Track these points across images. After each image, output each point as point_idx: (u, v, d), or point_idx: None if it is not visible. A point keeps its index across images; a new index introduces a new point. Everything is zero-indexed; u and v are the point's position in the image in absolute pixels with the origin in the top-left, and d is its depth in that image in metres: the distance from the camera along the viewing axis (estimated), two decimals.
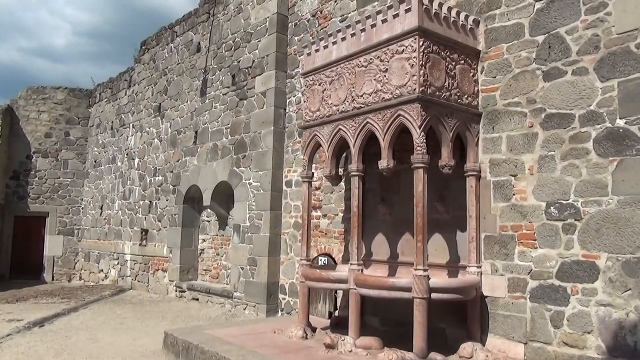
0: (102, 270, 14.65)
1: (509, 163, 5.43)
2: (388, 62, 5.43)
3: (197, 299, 10.54)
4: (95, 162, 15.72)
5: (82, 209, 16.07)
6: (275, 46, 9.05)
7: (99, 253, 14.94)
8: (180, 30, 12.28)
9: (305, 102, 6.73)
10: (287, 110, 9.05)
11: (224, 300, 9.75)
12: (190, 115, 11.41)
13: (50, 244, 15.69)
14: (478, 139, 5.67)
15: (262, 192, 9.03)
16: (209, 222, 11.21)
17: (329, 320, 7.15)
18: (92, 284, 14.68)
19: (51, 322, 8.39)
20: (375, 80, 5.57)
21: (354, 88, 5.84)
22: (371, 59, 5.65)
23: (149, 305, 10.43)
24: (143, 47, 13.92)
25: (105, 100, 15.59)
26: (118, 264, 13.87)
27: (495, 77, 5.64)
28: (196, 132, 11.15)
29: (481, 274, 5.46)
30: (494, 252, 5.46)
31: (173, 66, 12.37)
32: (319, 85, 6.38)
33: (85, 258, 15.64)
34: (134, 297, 11.64)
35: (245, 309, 9.11)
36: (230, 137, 10.04)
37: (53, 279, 15.49)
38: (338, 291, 7.36)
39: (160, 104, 12.74)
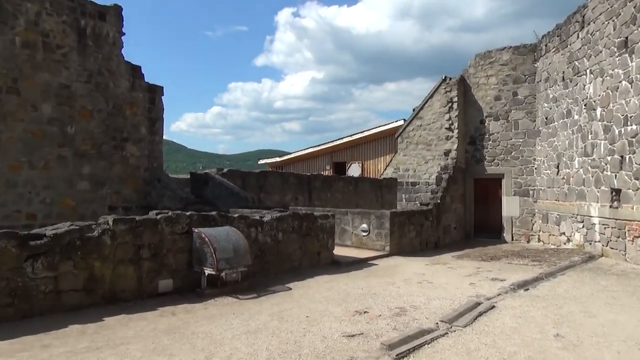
0: (564, 233, 13.73)
1: None
2: None
3: None
4: (546, 118, 14.81)
5: (536, 169, 15.55)
6: None
7: (557, 215, 14.07)
8: None
9: None
10: None
11: None
12: None
13: (507, 204, 15.98)
14: None
15: None
16: None
17: None
18: (552, 246, 14.01)
19: (534, 286, 8.05)
20: None
21: None
22: None
23: (635, 278, 8.78)
24: None
25: (553, 50, 14.37)
26: (583, 227, 12.60)
27: None
28: None
29: None
30: None
31: None
32: None
33: (542, 219, 15.11)
34: (611, 266, 10.16)
35: None
36: None
37: (512, 239, 15.76)
38: None
39: (627, 38, 10.52)
